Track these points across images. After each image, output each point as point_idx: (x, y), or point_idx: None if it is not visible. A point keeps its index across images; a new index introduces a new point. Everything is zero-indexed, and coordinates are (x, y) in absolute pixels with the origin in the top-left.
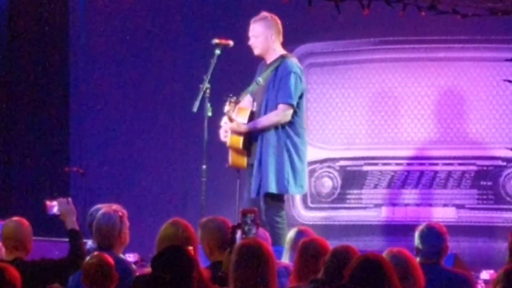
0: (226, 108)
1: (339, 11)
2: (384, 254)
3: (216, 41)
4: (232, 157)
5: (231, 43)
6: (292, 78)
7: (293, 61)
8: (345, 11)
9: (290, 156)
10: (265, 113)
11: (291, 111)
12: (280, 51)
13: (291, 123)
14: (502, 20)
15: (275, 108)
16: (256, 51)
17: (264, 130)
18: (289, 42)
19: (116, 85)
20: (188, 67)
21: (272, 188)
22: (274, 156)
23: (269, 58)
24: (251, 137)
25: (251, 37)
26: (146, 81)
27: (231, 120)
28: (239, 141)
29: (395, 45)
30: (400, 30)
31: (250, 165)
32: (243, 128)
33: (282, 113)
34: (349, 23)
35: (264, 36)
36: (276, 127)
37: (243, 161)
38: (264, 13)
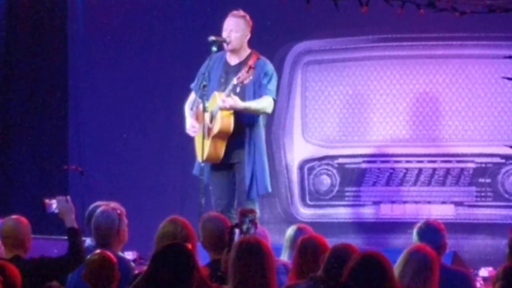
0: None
1: (338, 8)
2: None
3: (212, 38)
4: (212, 147)
5: (227, 40)
6: (275, 78)
7: (266, 60)
8: (344, 9)
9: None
10: None
11: (272, 106)
12: (248, 50)
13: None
14: (500, 17)
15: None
16: (230, 46)
17: (253, 122)
18: (287, 40)
19: (114, 84)
20: (186, 65)
21: (268, 189)
22: (263, 157)
23: (239, 57)
24: (240, 127)
25: (229, 31)
26: (144, 79)
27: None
28: (230, 123)
29: (394, 42)
30: (398, 28)
31: (232, 164)
32: (240, 103)
33: (269, 104)
34: (347, 21)
35: (242, 33)
36: (260, 127)
37: (221, 151)
38: (242, 11)
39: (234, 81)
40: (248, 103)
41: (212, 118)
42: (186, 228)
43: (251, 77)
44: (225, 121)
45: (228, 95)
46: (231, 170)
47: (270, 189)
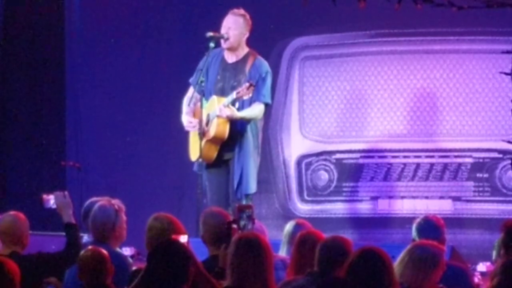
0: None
1: (335, 3)
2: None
3: (210, 34)
4: (205, 149)
5: (225, 36)
6: (269, 79)
7: (263, 60)
8: (341, 4)
9: (259, 154)
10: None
11: (263, 112)
12: (246, 49)
13: (259, 124)
14: (497, 12)
15: (249, 104)
16: (228, 43)
17: (244, 125)
18: (284, 35)
19: (112, 79)
20: (183, 61)
21: (252, 189)
22: (252, 157)
23: (236, 55)
24: (232, 130)
25: (227, 28)
26: (142, 75)
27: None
28: (226, 131)
29: (391, 37)
30: (395, 23)
31: (225, 160)
32: (237, 114)
33: (259, 112)
34: (345, 16)
35: (240, 32)
36: (254, 125)
37: (214, 153)
38: (242, 10)
39: (234, 95)
40: (243, 113)
41: (208, 121)
42: (172, 222)
43: (250, 95)
44: (221, 128)
45: (226, 106)
46: (226, 167)
47: (250, 191)
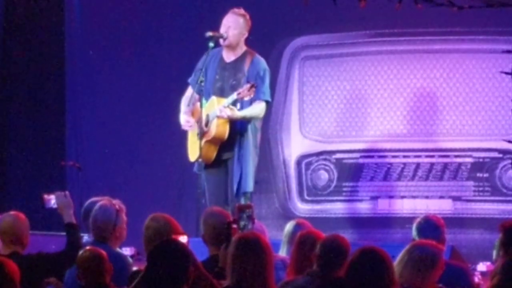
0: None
1: (336, 3)
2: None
3: (209, 33)
4: (204, 149)
5: (224, 35)
6: (268, 76)
7: (260, 58)
8: (341, 4)
9: (257, 154)
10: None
11: (265, 110)
12: (244, 48)
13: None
14: (498, 11)
15: (250, 103)
16: (227, 42)
17: (244, 125)
18: (285, 35)
19: (112, 80)
20: (183, 61)
21: (251, 187)
22: (251, 155)
23: (235, 54)
24: (232, 130)
25: (227, 27)
26: (141, 75)
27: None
28: (226, 131)
29: (391, 37)
30: (396, 22)
31: (223, 160)
32: (238, 114)
33: (261, 110)
34: (345, 16)
35: (239, 31)
36: (253, 124)
37: (213, 153)
38: (242, 10)
39: (234, 95)
40: (244, 112)
41: (207, 122)
42: (169, 222)
43: (251, 95)
44: (220, 129)
45: (227, 107)
46: (225, 167)
47: (248, 189)
